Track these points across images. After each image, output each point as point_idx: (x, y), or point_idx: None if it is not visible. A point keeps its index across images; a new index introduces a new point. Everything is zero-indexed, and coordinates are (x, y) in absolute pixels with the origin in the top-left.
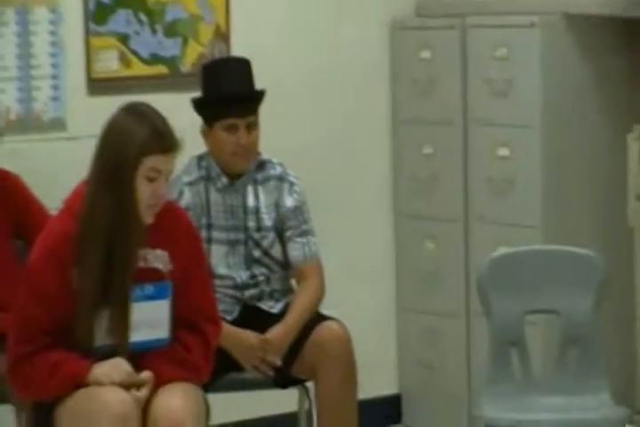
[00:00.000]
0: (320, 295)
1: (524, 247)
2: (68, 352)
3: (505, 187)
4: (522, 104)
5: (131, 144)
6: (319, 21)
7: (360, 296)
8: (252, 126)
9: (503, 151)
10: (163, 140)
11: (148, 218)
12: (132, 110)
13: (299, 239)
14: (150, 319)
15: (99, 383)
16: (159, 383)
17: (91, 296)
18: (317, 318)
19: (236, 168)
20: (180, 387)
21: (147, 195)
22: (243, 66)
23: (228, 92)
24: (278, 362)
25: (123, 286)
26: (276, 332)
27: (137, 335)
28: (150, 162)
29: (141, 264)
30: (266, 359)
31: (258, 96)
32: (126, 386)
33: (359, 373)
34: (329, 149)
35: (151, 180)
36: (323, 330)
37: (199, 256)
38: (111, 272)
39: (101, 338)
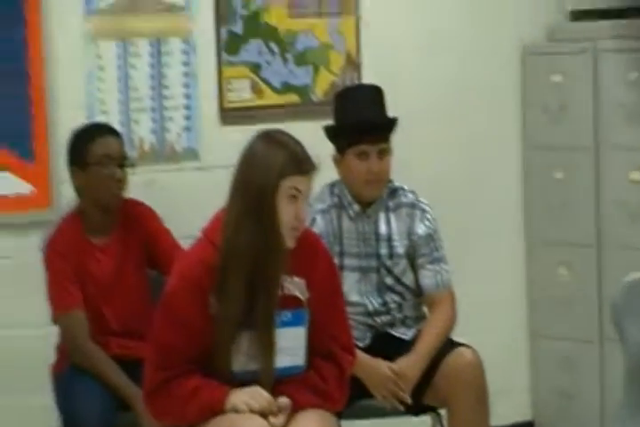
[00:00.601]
0: (452, 323)
1: None
2: (205, 379)
3: (638, 211)
4: None
5: (271, 168)
6: (450, 47)
7: (493, 323)
8: (385, 153)
9: (636, 175)
10: (301, 162)
11: (290, 242)
12: (269, 136)
13: (431, 267)
14: (287, 346)
15: (237, 411)
16: (294, 410)
17: (233, 322)
18: (450, 345)
19: (368, 195)
20: (316, 414)
21: (289, 217)
22: (375, 93)
23: (361, 119)
24: (408, 400)
25: (267, 311)
26: (407, 362)
27: (275, 362)
28: (290, 182)
29: (279, 291)
30: (397, 394)
31: (390, 123)
32: (264, 414)
33: (492, 399)
34: (461, 175)
35: (292, 199)
36: (455, 357)
37: (336, 285)
38: (253, 298)
39: (241, 364)
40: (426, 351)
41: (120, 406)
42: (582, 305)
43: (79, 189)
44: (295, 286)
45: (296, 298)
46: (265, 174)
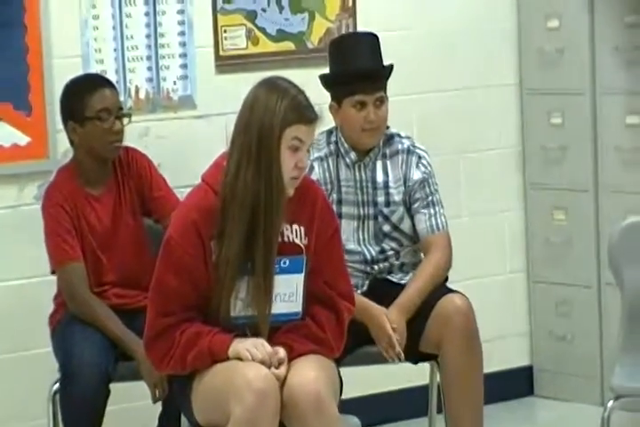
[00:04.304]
0: (444, 267)
1: None
2: (207, 326)
3: (635, 156)
4: None
5: (274, 116)
6: None
7: (491, 267)
8: (381, 102)
9: (632, 119)
10: (304, 111)
11: (290, 190)
12: (272, 83)
13: (425, 211)
14: (285, 293)
15: (239, 358)
16: (292, 358)
17: (232, 268)
18: (442, 292)
19: (366, 144)
20: (314, 359)
21: (290, 166)
22: (371, 41)
23: (357, 68)
24: (402, 354)
25: (266, 257)
26: (394, 315)
27: (272, 308)
28: (293, 132)
29: (278, 238)
30: (392, 344)
31: (386, 72)
32: (265, 365)
33: (490, 345)
34: (457, 120)
35: (294, 150)
36: (444, 303)
37: (334, 232)
38: (253, 244)
39: (238, 309)
40: (408, 300)
41: (119, 355)
42: (579, 250)
43: (76, 143)
44: (294, 233)
45: (295, 245)
46: (268, 122)
